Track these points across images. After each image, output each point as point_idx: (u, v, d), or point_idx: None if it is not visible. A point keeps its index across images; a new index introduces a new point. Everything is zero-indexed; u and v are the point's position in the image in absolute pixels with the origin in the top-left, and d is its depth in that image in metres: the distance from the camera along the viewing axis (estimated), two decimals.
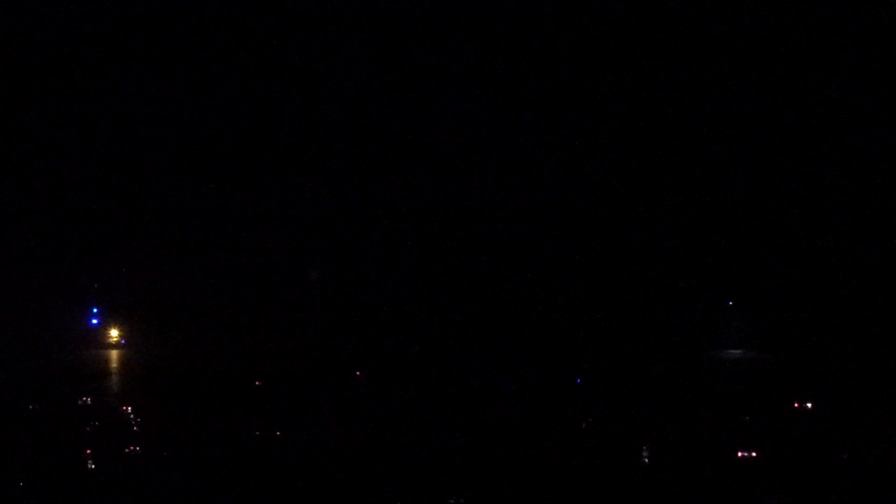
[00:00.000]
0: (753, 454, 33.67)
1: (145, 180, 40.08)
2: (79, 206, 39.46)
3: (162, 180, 40.14)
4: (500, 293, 38.86)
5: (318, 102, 39.43)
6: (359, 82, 39.01)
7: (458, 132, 38.78)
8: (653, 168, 37.63)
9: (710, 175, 37.72)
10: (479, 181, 39.02)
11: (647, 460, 33.97)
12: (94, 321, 40.25)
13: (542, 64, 37.84)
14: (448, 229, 39.26)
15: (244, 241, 40.39)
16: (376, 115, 39.39)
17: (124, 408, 37.48)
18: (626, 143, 37.67)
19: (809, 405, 35.68)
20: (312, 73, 39.15)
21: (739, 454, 33.81)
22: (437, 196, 39.53)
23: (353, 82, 39.06)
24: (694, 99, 37.29)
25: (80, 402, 37.17)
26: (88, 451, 34.36)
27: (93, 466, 34.10)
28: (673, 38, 36.90)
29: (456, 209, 39.35)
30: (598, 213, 38.17)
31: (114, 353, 40.31)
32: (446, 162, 39.39)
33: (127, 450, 34.91)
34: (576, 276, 38.23)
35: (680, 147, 37.58)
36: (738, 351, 37.85)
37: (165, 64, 38.67)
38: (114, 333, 40.32)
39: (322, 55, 38.77)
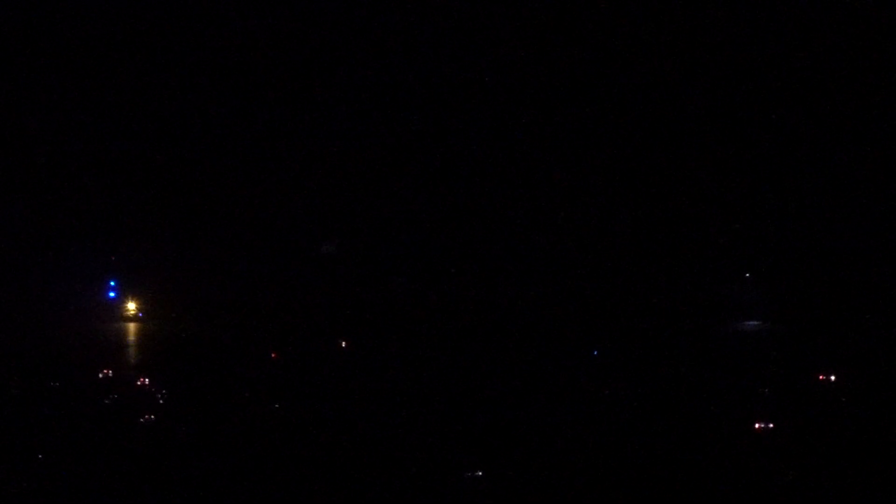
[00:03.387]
0: (771, 426, 33.56)
1: (162, 154, 40.00)
2: (96, 181, 39.48)
3: (179, 154, 40.05)
4: (514, 263, 38.69)
5: (324, 86, 39.34)
6: (371, 72, 38.88)
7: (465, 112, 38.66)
8: (670, 138, 37.43)
9: (726, 146, 37.49)
10: (485, 148, 38.85)
11: (663, 433, 33.88)
12: (112, 294, 40.32)
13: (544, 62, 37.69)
14: (458, 202, 39.15)
15: (260, 215, 40.29)
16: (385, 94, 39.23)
17: (142, 380, 37.57)
18: (644, 113, 37.44)
19: (833, 378, 35.46)
20: (325, 60, 39.00)
21: (757, 426, 33.70)
22: (447, 172, 39.40)
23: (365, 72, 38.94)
24: (711, 72, 37.03)
25: (100, 374, 37.32)
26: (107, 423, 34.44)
27: (112, 437, 34.12)
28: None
29: (463, 182, 39.21)
30: (616, 185, 38.00)
31: (131, 327, 40.33)
32: (456, 137, 39.26)
33: (142, 419, 34.97)
34: (593, 249, 38.06)
35: (697, 118, 37.35)
36: (755, 322, 37.67)
37: (178, 41, 38.55)
38: (131, 307, 40.36)
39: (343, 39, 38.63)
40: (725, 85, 36.83)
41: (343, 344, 38.99)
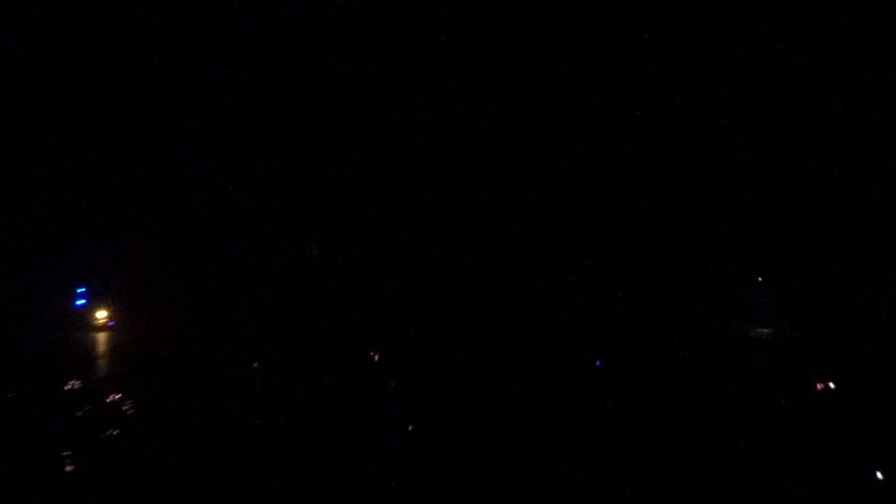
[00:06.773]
0: (782, 435, 32.27)
1: (134, 156, 39.07)
2: (64, 183, 38.47)
3: (151, 156, 39.15)
4: (516, 265, 37.58)
5: (307, 82, 38.24)
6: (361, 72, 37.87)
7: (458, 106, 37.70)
8: (682, 139, 36.45)
9: (737, 149, 36.61)
10: (481, 145, 37.91)
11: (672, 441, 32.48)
12: (81, 301, 39.03)
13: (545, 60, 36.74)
14: (456, 201, 38.12)
15: (238, 219, 39.46)
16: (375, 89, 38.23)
17: (113, 395, 35.88)
18: (655, 112, 36.47)
19: (832, 385, 34.44)
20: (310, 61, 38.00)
21: (765, 432, 32.42)
22: (442, 167, 38.45)
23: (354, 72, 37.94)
24: (726, 74, 36.06)
25: (66, 387, 35.66)
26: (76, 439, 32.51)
27: (79, 456, 32.22)
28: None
29: (460, 178, 38.27)
30: (625, 187, 37.02)
31: (101, 336, 39.03)
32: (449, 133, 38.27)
33: (112, 432, 33.25)
34: (602, 252, 37.08)
35: (711, 117, 36.39)
36: (768, 329, 36.82)
37: (157, 44, 37.40)
38: (101, 315, 39.16)
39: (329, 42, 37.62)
40: (740, 85, 35.93)
41: (375, 356, 37.49)
